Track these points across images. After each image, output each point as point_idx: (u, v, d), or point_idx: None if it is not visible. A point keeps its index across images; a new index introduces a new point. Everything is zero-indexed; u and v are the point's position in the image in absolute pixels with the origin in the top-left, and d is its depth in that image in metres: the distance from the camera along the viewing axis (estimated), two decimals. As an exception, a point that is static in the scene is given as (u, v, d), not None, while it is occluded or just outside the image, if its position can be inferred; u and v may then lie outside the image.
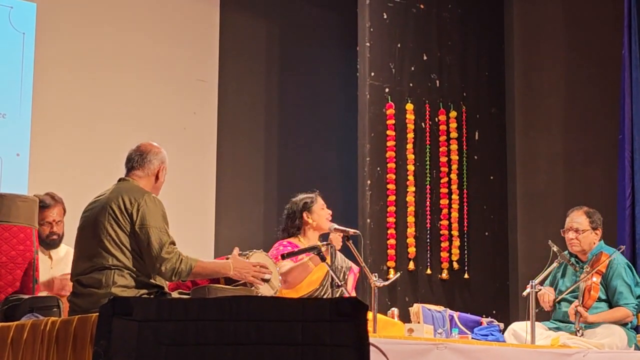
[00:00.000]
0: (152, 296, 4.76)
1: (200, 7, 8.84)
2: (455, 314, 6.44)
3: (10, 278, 5.08)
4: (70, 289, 5.05)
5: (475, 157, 9.10)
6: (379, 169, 8.44)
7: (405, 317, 6.47)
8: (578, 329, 6.25)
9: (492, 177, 9.23)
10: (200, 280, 5.12)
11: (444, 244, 8.77)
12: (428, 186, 8.72)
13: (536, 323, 5.92)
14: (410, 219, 8.54)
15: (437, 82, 8.97)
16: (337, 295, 5.64)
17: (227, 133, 8.90)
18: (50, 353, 4.24)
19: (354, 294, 6.25)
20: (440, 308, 6.45)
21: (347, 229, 5.86)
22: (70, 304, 4.88)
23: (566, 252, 6.58)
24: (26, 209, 5.22)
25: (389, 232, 8.41)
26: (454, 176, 8.89)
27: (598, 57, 8.98)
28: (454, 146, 8.91)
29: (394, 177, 8.48)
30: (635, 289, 6.52)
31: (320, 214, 6.38)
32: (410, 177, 8.59)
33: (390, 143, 8.51)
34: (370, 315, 5.21)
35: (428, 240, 8.66)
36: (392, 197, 8.45)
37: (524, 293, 6.33)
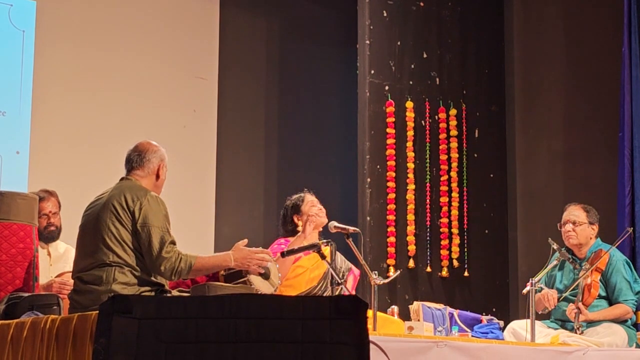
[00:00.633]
0: (152, 294, 4.76)
1: (200, 4, 8.83)
2: (455, 312, 6.45)
3: (10, 276, 5.08)
4: (68, 292, 5.05)
5: (475, 155, 9.10)
6: (378, 166, 8.44)
7: (405, 315, 6.47)
8: (578, 326, 6.25)
9: (492, 175, 9.23)
10: (199, 277, 5.12)
11: (444, 242, 8.77)
12: (428, 184, 8.72)
13: (536, 321, 5.93)
14: (410, 217, 8.54)
15: (437, 79, 8.97)
16: (337, 293, 5.64)
17: (227, 131, 8.90)
18: (50, 351, 4.24)
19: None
20: (440, 306, 6.45)
21: (347, 227, 5.86)
22: (71, 301, 4.88)
23: (564, 249, 6.57)
24: (26, 207, 5.22)
25: (388, 230, 8.41)
26: (453, 174, 8.89)
27: (598, 55, 8.98)
28: (453, 144, 8.91)
29: (393, 175, 8.48)
30: (634, 285, 6.52)
31: (310, 212, 6.37)
32: (410, 175, 8.59)
33: (390, 141, 8.50)
34: (370, 313, 5.21)
35: (428, 238, 8.66)
36: (392, 195, 8.45)
37: (524, 291, 6.33)
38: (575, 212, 6.66)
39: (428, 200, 8.70)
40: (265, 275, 5.15)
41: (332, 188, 8.90)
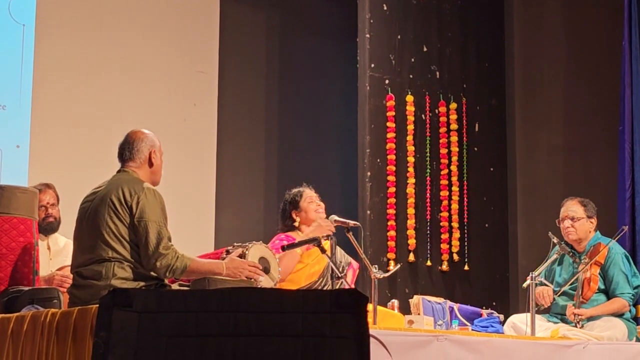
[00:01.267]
0: (152, 288, 4.75)
1: (201, -2, 8.84)
2: (455, 306, 6.44)
3: (10, 270, 5.08)
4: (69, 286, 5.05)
5: (476, 149, 9.10)
6: (379, 160, 8.44)
7: (405, 309, 6.47)
8: (577, 320, 6.25)
9: (492, 169, 9.23)
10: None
11: (444, 236, 8.77)
12: (428, 178, 8.72)
13: (536, 315, 5.93)
14: (410, 211, 8.54)
15: (437, 73, 8.96)
16: (338, 288, 5.64)
17: (227, 124, 8.90)
18: (51, 344, 4.24)
19: (353, 288, 6.24)
20: (440, 300, 6.45)
21: (347, 221, 5.86)
22: (70, 296, 4.87)
23: (563, 243, 6.58)
24: (26, 201, 5.22)
25: (389, 223, 8.41)
26: (454, 168, 8.89)
27: (598, 49, 8.98)
28: (454, 138, 8.91)
29: (394, 168, 8.48)
30: (632, 279, 6.52)
31: (308, 209, 6.36)
32: (410, 169, 8.59)
33: (390, 135, 8.50)
34: (370, 307, 5.21)
35: (428, 232, 8.66)
36: (392, 189, 8.45)
37: (524, 285, 6.34)
38: (572, 208, 6.64)
39: (428, 194, 8.70)
40: (266, 270, 5.15)
41: (332, 182, 8.90)
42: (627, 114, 8.12)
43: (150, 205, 4.79)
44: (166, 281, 4.92)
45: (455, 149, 8.90)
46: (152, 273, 4.82)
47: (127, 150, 5.01)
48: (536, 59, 9.38)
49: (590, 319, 6.35)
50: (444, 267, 8.74)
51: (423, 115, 8.79)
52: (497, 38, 9.44)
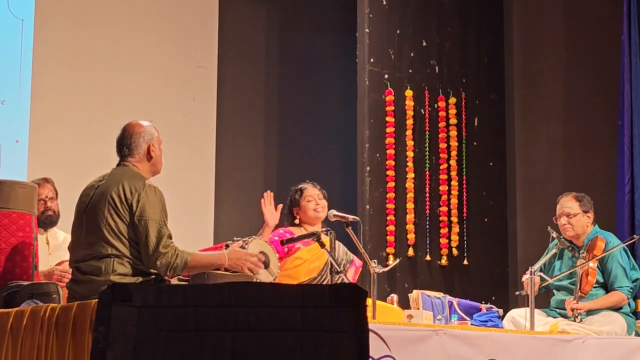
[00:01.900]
0: (151, 283, 4.75)
1: (199, -7, 8.83)
2: (455, 300, 6.45)
3: (10, 264, 5.08)
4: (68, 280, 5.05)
5: (475, 144, 9.10)
6: (378, 155, 8.44)
7: (404, 304, 6.47)
8: (576, 314, 6.26)
9: (491, 164, 9.23)
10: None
11: (443, 230, 8.77)
12: (427, 172, 8.72)
13: (535, 309, 5.93)
14: (410, 206, 8.54)
15: (437, 68, 8.96)
16: (337, 282, 5.64)
17: (227, 119, 8.89)
18: (50, 339, 4.25)
19: (353, 283, 6.23)
20: (440, 294, 6.45)
21: (347, 216, 5.85)
22: (69, 291, 4.87)
23: (562, 237, 6.57)
24: (25, 196, 5.21)
25: (388, 218, 8.41)
26: (453, 162, 8.89)
27: (597, 44, 8.97)
28: (453, 132, 8.91)
29: (393, 163, 8.48)
30: (630, 272, 6.52)
31: (306, 207, 6.35)
32: (410, 164, 8.59)
33: (390, 129, 8.50)
34: (369, 301, 5.21)
35: (427, 227, 8.66)
36: (392, 184, 8.45)
37: (523, 279, 6.35)
38: (568, 204, 6.64)
39: (427, 189, 8.70)
40: (265, 264, 5.15)
41: (331, 177, 8.90)
42: (626, 109, 8.12)
43: (150, 203, 4.77)
44: (165, 277, 4.91)
45: (454, 143, 8.90)
46: (152, 270, 4.82)
47: (125, 146, 4.97)
48: (535, 53, 9.38)
49: (589, 313, 6.35)
50: (443, 261, 8.75)
51: (422, 110, 8.79)
52: (496, 33, 9.44)
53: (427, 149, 8.75)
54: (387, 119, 8.51)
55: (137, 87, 8.32)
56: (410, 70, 8.77)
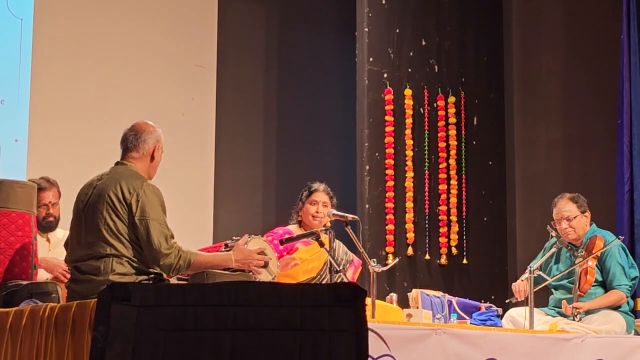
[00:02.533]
0: (150, 282, 4.75)
1: (199, -8, 8.83)
2: (454, 299, 6.45)
3: (9, 264, 5.08)
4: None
5: (474, 143, 9.10)
6: (377, 154, 8.44)
7: (403, 303, 6.48)
8: (575, 313, 6.26)
9: (490, 163, 9.23)
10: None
11: (443, 230, 8.77)
12: (427, 171, 8.72)
13: (534, 308, 5.93)
14: (409, 205, 8.54)
15: (436, 67, 8.96)
16: (336, 281, 5.64)
17: (226, 119, 8.89)
18: (49, 339, 4.25)
19: (353, 282, 6.23)
20: (439, 293, 6.45)
21: (346, 215, 5.85)
22: (69, 291, 4.86)
23: (561, 237, 6.56)
24: (24, 195, 5.21)
25: (387, 217, 8.41)
26: (452, 161, 8.89)
27: (597, 42, 8.97)
28: (452, 131, 8.91)
29: (392, 162, 8.48)
30: (629, 271, 6.52)
31: (307, 210, 6.34)
32: (409, 163, 8.59)
33: (389, 128, 8.50)
34: (368, 300, 5.21)
35: (427, 226, 8.66)
36: (391, 183, 8.45)
37: (521, 278, 6.35)
38: (565, 208, 6.62)
39: (427, 188, 8.70)
40: (264, 264, 5.15)
41: (330, 176, 8.88)
42: (625, 108, 8.12)
43: (150, 202, 4.76)
44: (164, 276, 4.91)
45: (453, 142, 8.90)
46: (155, 268, 4.81)
47: (132, 138, 4.94)
48: (535, 52, 9.38)
49: (589, 312, 6.35)
50: (443, 260, 8.75)
51: (422, 109, 8.79)
52: (495, 32, 9.44)
53: (427, 148, 8.75)
54: (387, 118, 8.51)
55: (137, 86, 8.32)
56: (410, 70, 8.77)
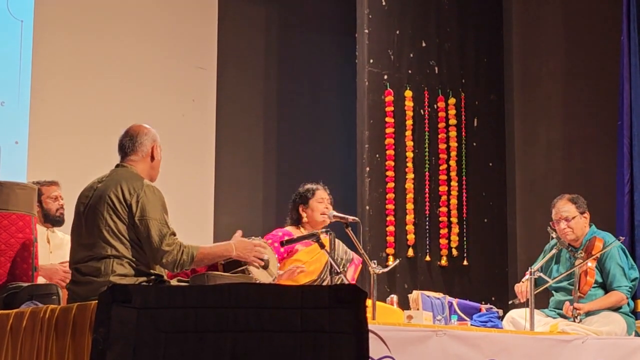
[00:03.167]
0: (150, 284, 4.75)
1: (199, -6, 8.83)
2: (455, 301, 6.44)
3: (9, 266, 5.08)
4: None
5: (474, 144, 9.10)
6: (377, 156, 8.44)
7: (404, 304, 6.47)
8: (576, 315, 6.25)
9: (491, 164, 9.23)
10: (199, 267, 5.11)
11: (443, 231, 8.77)
12: (427, 173, 8.72)
13: (535, 310, 5.93)
14: (410, 206, 8.54)
15: (436, 68, 8.96)
16: (337, 283, 5.64)
17: (226, 120, 8.90)
18: (50, 340, 4.25)
19: (353, 284, 6.22)
20: (440, 295, 6.45)
21: (346, 216, 5.85)
22: (69, 292, 4.86)
23: (561, 238, 6.56)
24: (25, 197, 5.21)
25: (388, 219, 8.41)
26: (453, 163, 8.89)
27: (597, 44, 8.97)
28: (452, 133, 8.91)
29: (392, 164, 8.48)
30: (629, 272, 6.51)
31: (316, 208, 6.33)
32: (409, 164, 8.59)
33: (389, 130, 8.50)
34: (369, 302, 5.21)
35: (427, 227, 8.66)
36: (391, 184, 8.45)
37: (523, 279, 6.34)
38: (564, 208, 6.61)
39: (427, 190, 8.70)
40: (264, 265, 5.15)
41: (331, 177, 8.88)
42: (625, 109, 8.12)
43: (150, 203, 4.76)
44: (165, 277, 4.91)
45: (454, 144, 8.90)
46: (156, 269, 4.82)
47: (128, 143, 4.95)
48: (535, 54, 9.38)
49: (589, 313, 6.35)
50: (443, 262, 8.75)
51: (422, 111, 8.79)
52: (495, 33, 9.44)
53: (427, 149, 8.75)
54: (387, 119, 8.51)
55: (137, 88, 8.32)
56: (410, 71, 8.77)
